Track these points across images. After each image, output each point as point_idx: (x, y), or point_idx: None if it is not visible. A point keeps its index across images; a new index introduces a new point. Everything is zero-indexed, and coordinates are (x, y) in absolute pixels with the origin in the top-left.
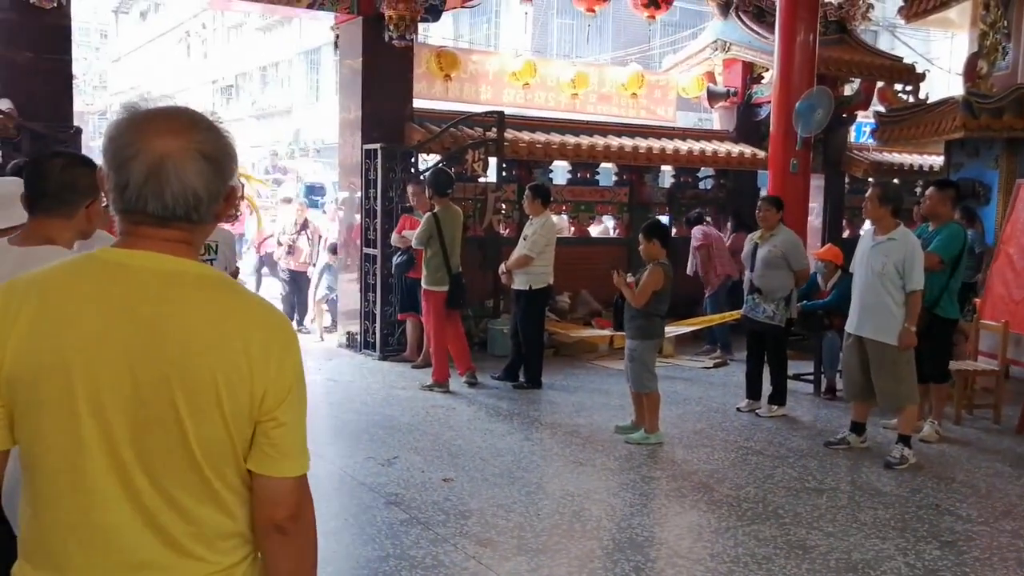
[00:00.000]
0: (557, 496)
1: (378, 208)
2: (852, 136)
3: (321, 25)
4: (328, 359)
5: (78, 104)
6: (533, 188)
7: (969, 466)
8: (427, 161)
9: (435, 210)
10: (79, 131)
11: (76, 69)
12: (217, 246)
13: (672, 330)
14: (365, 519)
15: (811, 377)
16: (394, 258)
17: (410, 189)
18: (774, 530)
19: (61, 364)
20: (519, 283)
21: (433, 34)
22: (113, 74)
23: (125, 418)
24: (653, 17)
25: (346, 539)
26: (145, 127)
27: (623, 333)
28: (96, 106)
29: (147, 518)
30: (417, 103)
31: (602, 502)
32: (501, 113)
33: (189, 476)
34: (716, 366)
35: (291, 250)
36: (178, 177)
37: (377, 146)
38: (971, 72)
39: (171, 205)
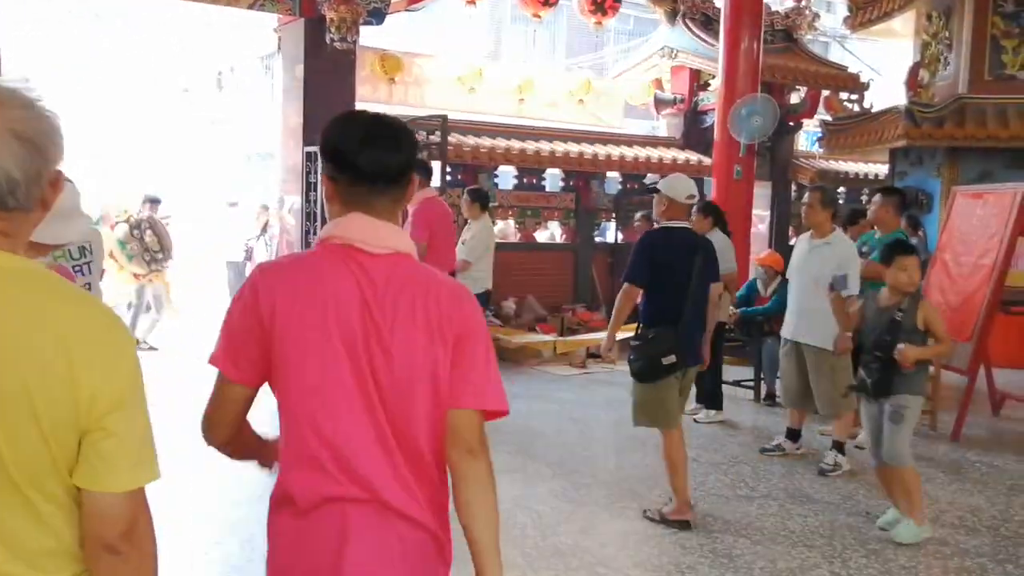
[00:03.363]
0: None
1: (318, 211)
2: (800, 144)
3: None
4: None
5: None
6: (471, 192)
7: None
8: None
9: None
10: None
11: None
12: (91, 247)
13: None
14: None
15: (751, 383)
16: None
17: None
18: (701, 538)
19: None
20: None
21: (384, 38)
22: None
23: None
24: (600, 23)
25: (259, 552)
26: None
27: (565, 338)
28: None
29: None
30: (360, 106)
31: (529, 509)
32: (444, 117)
33: (8, 496)
34: None
35: (249, 255)
36: None
37: (317, 148)
38: (913, 81)
39: None
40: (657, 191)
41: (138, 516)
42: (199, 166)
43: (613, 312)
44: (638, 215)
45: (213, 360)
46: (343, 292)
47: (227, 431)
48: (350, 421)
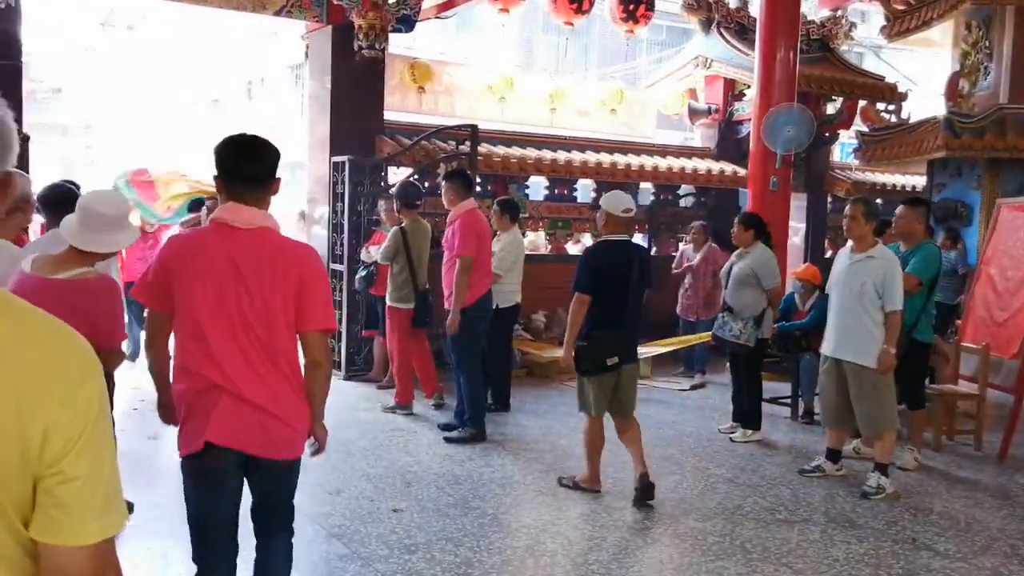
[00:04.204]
0: (512, 528)
1: (345, 223)
2: (835, 155)
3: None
4: None
5: (62, 117)
6: (501, 203)
7: (949, 496)
8: (397, 175)
9: (402, 224)
10: (27, 139)
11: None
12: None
13: (648, 351)
14: (300, 555)
15: (788, 400)
16: (356, 273)
17: (381, 204)
18: (740, 566)
19: None
20: None
21: (418, 48)
22: (100, 87)
23: None
24: (632, 32)
25: None
26: None
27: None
28: (82, 119)
29: None
30: (389, 115)
31: (559, 535)
32: (474, 126)
33: None
34: (693, 388)
35: None
36: None
37: (345, 158)
38: (953, 92)
39: None
40: (598, 207)
41: (105, 572)
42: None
43: (568, 321)
44: (697, 224)
45: (135, 295)
46: (217, 254)
47: (158, 345)
48: (219, 339)
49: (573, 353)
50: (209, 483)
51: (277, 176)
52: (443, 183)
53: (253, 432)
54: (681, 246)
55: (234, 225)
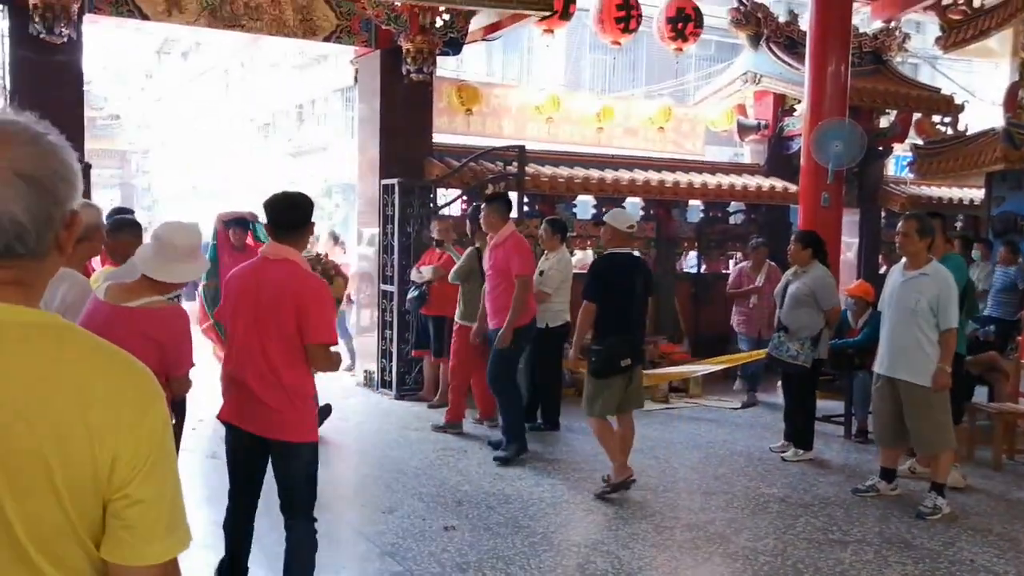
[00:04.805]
0: (562, 547)
1: (395, 244)
2: (890, 169)
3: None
4: (344, 399)
5: (120, 143)
6: (550, 222)
7: (1008, 516)
8: (446, 196)
9: (476, 245)
10: (88, 167)
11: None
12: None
13: (699, 368)
14: (355, 571)
15: (841, 419)
16: (408, 293)
17: (435, 224)
18: None
19: None
20: (538, 320)
21: (466, 70)
22: (156, 113)
23: None
24: (680, 50)
25: None
26: None
27: (648, 371)
28: (139, 145)
29: None
30: (437, 138)
31: (609, 554)
32: (522, 147)
33: (14, 566)
34: (744, 407)
35: None
36: None
37: (395, 181)
38: (1012, 102)
39: None
40: (604, 223)
41: None
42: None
43: (576, 327)
44: (757, 241)
45: (218, 316)
46: (253, 279)
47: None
48: (246, 348)
49: (581, 357)
50: (231, 448)
51: (312, 221)
52: (484, 206)
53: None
54: (732, 263)
55: (269, 257)
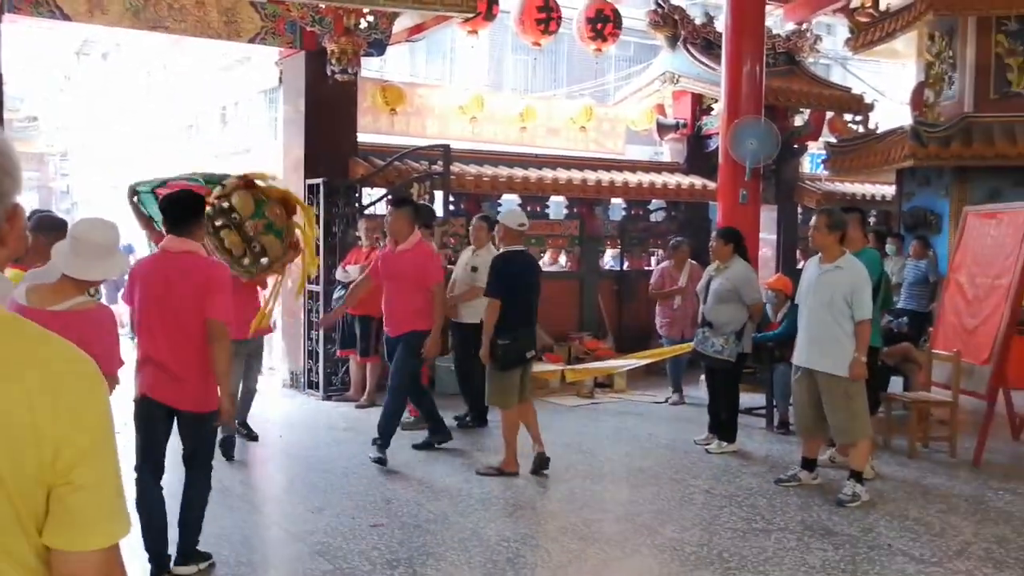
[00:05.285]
0: (492, 542)
1: (320, 244)
2: (805, 166)
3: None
4: (271, 400)
5: (39, 145)
6: (484, 218)
7: (923, 502)
8: (371, 195)
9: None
10: None
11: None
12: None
13: (623, 363)
14: (286, 571)
15: (763, 411)
16: (334, 293)
17: (362, 223)
18: None
19: None
20: (469, 316)
21: (388, 70)
22: (75, 114)
23: None
24: (600, 51)
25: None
26: None
27: (573, 367)
28: (57, 147)
29: None
30: (362, 137)
31: (539, 548)
32: (447, 146)
33: None
34: (671, 403)
35: None
36: None
37: (319, 180)
38: (918, 102)
39: None
40: (498, 222)
41: (111, 574)
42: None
43: (484, 323)
44: (677, 240)
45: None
46: (158, 270)
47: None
48: (156, 332)
49: (487, 351)
50: (143, 419)
51: (198, 218)
52: (392, 210)
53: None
54: (655, 262)
55: (170, 249)
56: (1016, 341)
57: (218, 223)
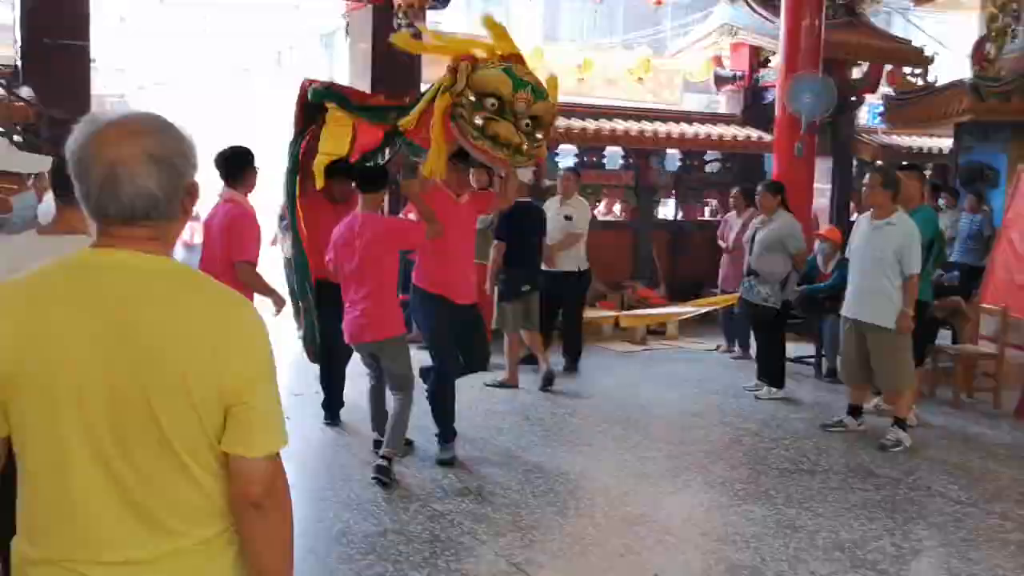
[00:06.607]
0: (553, 476)
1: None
2: (862, 119)
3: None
4: None
5: (97, 87)
6: (571, 170)
7: (964, 449)
8: None
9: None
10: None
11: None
12: None
13: (677, 310)
14: (366, 496)
15: (812, 360)
16: None
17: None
18: (765, 510)
19: (44, 360)
20: (568, 264)
21: (445, 23)
22: (132, 57)
23: (103, 407)
24: (660, 2)
25: (345, 515)
26: (99, 138)
27: (626, 313)
28: (114, 89)
29: (124, 496)
30: (424, 88)
31: (597, 481)
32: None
33: (164, 460)
34: (721, 351)
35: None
36: (131, 181)
37: None
38: (980, 55)
39: (129, 206)
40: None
41: (276, 476)
42: (258, 144)
43: (490, 263)
44: (735, 190)
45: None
46: (211, 215)
47: None
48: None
49: (492, 285)
50: None
51: (253, 167)
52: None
53: None
54: (708, 212)
55: (221, 197)
56: None
57: (478, 121)
